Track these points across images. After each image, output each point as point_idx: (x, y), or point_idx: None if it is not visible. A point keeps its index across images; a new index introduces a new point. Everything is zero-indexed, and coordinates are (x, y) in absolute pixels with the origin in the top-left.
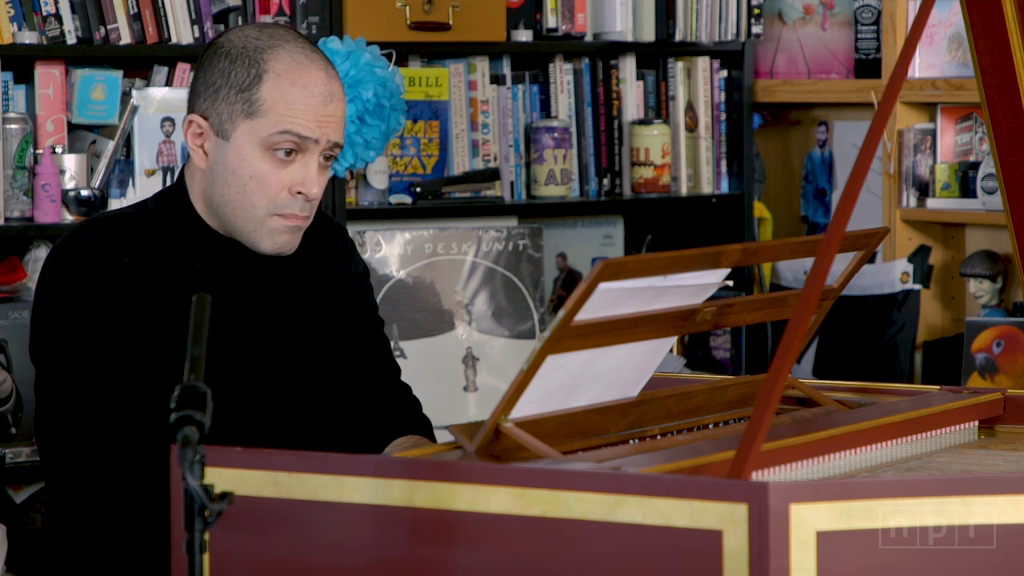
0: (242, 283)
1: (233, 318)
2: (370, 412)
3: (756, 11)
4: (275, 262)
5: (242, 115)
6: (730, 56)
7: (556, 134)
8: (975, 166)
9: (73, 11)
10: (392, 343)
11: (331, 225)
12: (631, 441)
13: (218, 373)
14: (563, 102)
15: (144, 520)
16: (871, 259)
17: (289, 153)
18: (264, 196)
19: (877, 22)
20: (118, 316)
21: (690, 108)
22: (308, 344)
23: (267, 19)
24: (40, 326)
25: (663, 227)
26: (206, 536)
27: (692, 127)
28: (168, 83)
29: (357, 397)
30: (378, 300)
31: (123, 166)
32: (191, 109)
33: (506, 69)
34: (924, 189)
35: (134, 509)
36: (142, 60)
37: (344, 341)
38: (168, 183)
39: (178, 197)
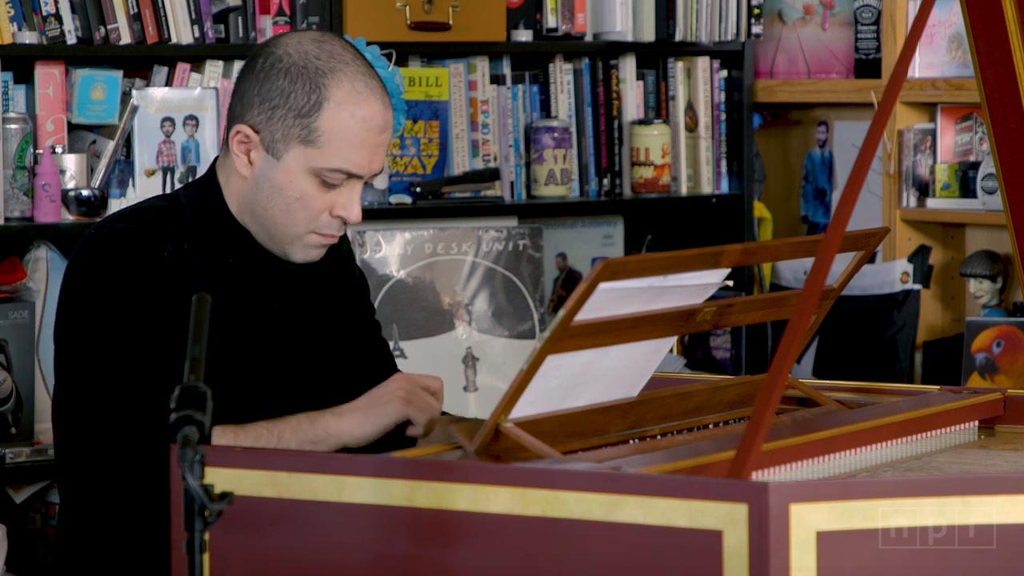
0: (270, 280)
1: (260, 314)
2: None
3: (756, 11)
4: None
5: (298, 140)
6: (730, 56)
7: (556, 134)
8: (975, 166)
9: (73, 11)
10: (392, 343)
11: None
12: (631, 441)
13: (245, 368)
14: (563, 102)
15: (157, 515)
16: (871, 259)
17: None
18: (307, 216)
19: (877, 22)
20: (155, 309)
21: (690, 108)
22: (326, 342)
23: (267, 19)
24: (72, 311)
25: (663, 227)
26: (206, 536)
27: (692, 127)
28: (168, 83)
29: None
30: (378, 300)
31: (123, 166)
32: (239, 117)
33: (506, 69)
34: (924, 189)
35: (148, 502)
36: (142, 60)
37: (350, 344)
38: (168, 183)
39: (211, 193)
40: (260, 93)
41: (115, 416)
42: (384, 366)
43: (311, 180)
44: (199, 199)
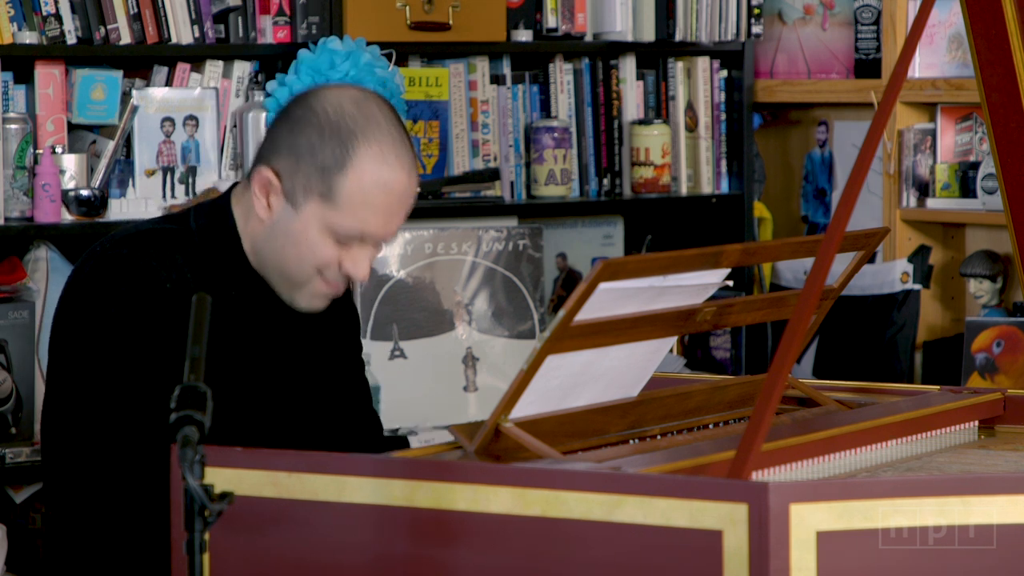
0: (270, 318)
1: (254, 350)
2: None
3: (756, 11)
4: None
5: (317, 195)
6: (730, 56)
7: (556, 134)
8: (975, 166)
9: (73, 11)
10: (392, 343)
11: None
12: (631, 441)
13: (232, 400)
14: (563, 102)
15: (148, 524)
16: (871, 259)
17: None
18: (316, 266)
19: (877, 22)
20: (152, 339)
21: (690, 108)
22: (316, 384)
23: (267, 19)
24: (67, 334)
25: (663, 227)
26: (206, 536)
27: (692, 127)
28: (168, 83)
29: (337, 434)
30: (378, 300)
31: (123, 166)
32: (265, 159)
33: (506, 69)
34: (924, 189)
35: (139, 515)
36: (142, 60)
37: (336, 384)
38: (168, 183)
39: (224, 224)
40: (289, 142)
41: (100, 444)
42: (362, 406)
43: (325, 236)
44: (210, 226)
